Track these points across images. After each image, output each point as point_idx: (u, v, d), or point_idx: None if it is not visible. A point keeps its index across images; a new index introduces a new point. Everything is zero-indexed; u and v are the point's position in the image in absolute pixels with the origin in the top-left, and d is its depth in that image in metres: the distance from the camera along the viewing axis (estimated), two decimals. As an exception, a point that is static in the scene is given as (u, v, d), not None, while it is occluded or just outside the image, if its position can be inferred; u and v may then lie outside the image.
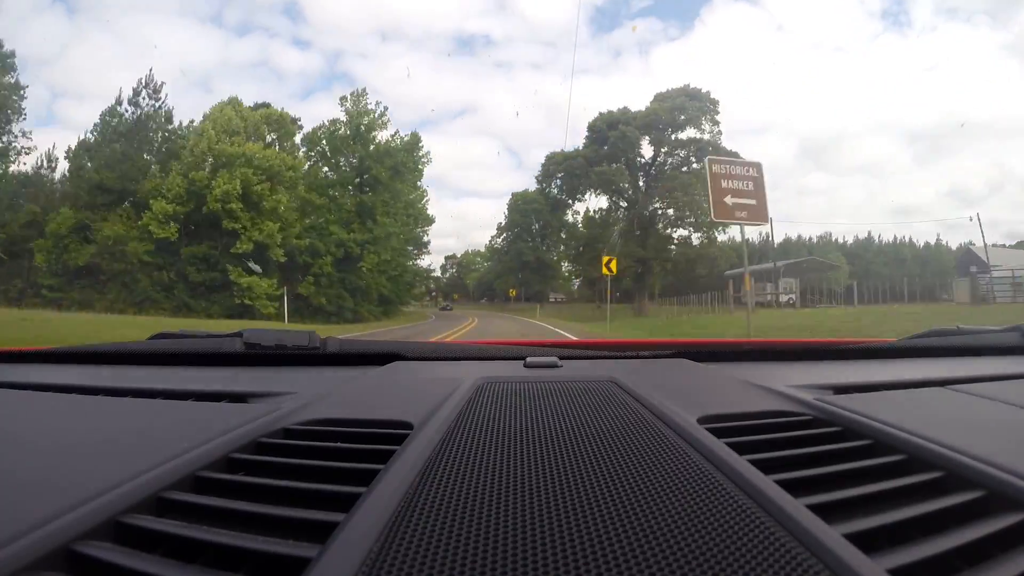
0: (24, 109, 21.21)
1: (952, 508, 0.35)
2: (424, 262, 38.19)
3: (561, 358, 0.84)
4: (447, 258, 79.71)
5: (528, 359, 0.82)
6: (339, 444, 0.46)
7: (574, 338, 7.61)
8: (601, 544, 0.28)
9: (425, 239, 35.85)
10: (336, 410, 0.54)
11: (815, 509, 0.32)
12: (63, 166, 23.36)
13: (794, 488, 0.36)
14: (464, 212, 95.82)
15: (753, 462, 0.39)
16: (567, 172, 31.99)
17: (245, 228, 21.41)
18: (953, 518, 0.34)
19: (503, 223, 50.98)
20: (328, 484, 0.37)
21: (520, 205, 47.16)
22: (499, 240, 52.77)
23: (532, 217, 46.34)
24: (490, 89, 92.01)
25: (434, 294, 76.54)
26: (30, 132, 21.73)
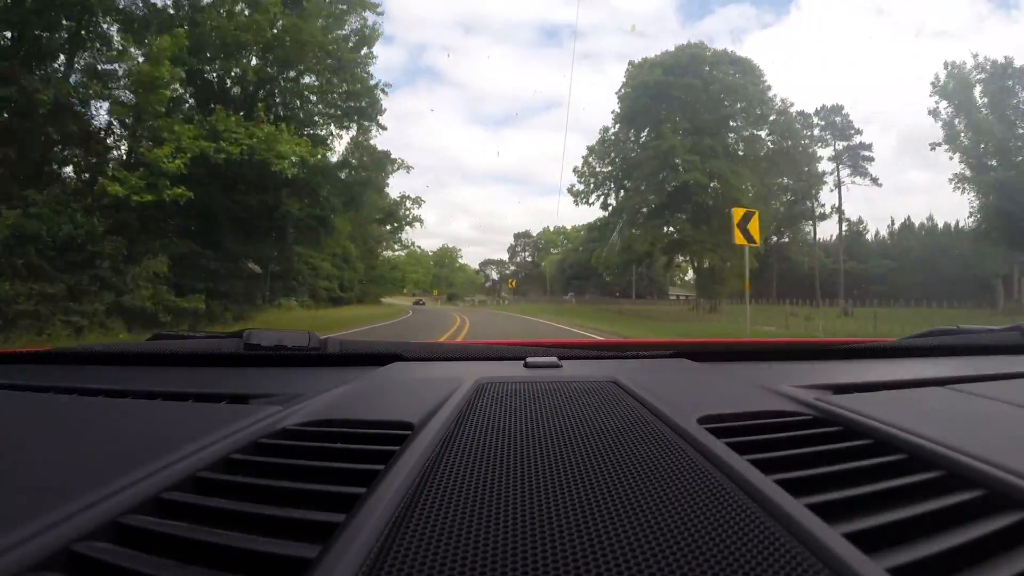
0: None
1: (952, 508, 0.35)
2: (398, 187, 25.66)
3: (561, 358, 0.84)
4: (517, 236, 62.42)
5: (528, 359, 0.82)
6: (339, 445, 0.46)
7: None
8: (601, 544, 0.28)
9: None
10: (336, 411, 0.54)
11: (815, 509, 0.32)
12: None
13: (794, 488, 0.36)
14: (550, 209, 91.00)
15: (753, 462, 0.39)
16: None
17: None
18: (953, 518, 0.34)
19: (611, 126, 23.60)
20: (328, 485, 0.37)
21: (672, 59, 21.56)
22: (603, 165, 24.40)
23: (692, 80, 20.60)
24: (577, 81, 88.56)
25: (494, 283, 62.49)
26: None
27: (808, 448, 0.45)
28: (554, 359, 0.83)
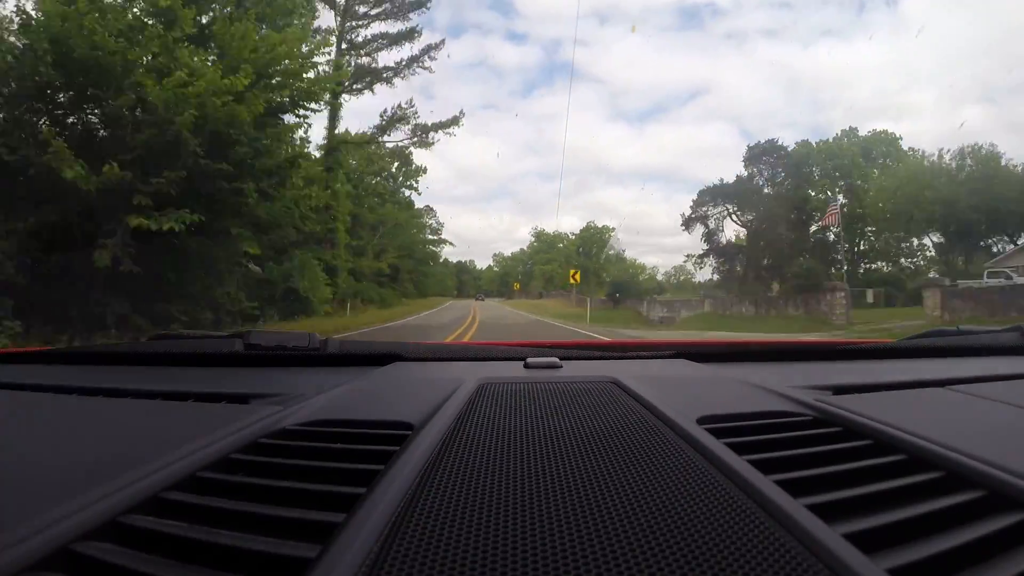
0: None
1: (952, 508, 0.35)
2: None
3: (561, 359, 0.84)
4: (704, 194, 30.46)
5: (528, 360, 0.82)
6: (339, 445, 0.46)
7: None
8: (601, 544, 0.28)
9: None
10: (336, 411, 0.54)
11: (815, 509, 0.32)
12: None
13: (794, 488, 0.36)
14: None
15: (752, 462, 0.39)
16: None
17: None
18: (953, 518, 0.34)
19: None
20: (328, 485, 0.37)
21: None
22: None
23: None
24: (720, 65, 78.85)
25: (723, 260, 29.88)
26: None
27: (808, 448, 0.45)
28: (554, 359, 0.82)
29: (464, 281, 78.53)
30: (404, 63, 21.03)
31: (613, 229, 54.02)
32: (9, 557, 0.27)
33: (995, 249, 26.10)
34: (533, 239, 60.77)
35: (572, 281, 25.16)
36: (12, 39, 7.82)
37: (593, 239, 52.23)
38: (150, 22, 8.23)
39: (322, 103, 11.73)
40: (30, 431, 0.53)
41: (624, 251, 55.06)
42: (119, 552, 0.30)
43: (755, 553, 0.27)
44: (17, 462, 0.43)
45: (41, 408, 0.62)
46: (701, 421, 0.50)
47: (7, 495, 0.35)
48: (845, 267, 25.52)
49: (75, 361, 0.97)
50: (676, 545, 0.28)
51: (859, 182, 30.37)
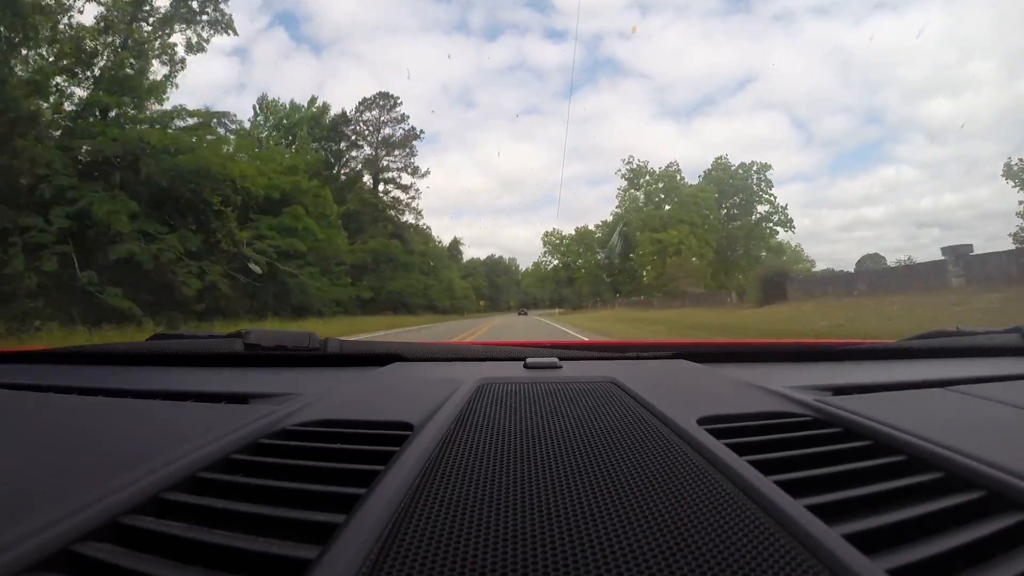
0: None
1: (952, 508, 0.35)
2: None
3: (561, 359, 0.84)
4: None
5: (528, 360, 0.82)
6: (339, 445, 0.46)
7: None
8: (601, 545, 0.28)
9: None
10: (336, 411, 0.54)
11: (815, 510, 0.32)
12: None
13: (794, 489, 0.36)
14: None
15: (753, 463, 0.39)
16: None
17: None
18: (953, 518, 0.34)
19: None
20: (328, 485, 0.37)
21: None
22: None
23: None
24: (769, 50, 74.40)
25: None
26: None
27: (808, 449, 0.45)
28: (554, 360, 0.82)
29: (500, 285, 62.74)
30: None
31: (769, 167, 31.74)
32: (9, 557, 0.27)
33: None
34: (625, 183, 34.93)
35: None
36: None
37: (731, 183, 29.30)
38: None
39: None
40: (30, 431, 0.53)
41: (786, 205, 32.19)
42: (119, 552, 0.30)
43: (755, 553, 0.27)
44: (17, 462, 0.43)
45: (41, 408, 0.62)
46: (701, 422, 0.50)
47: (7, 495, 0.35)
48: None
49: (75, 361, 0.97)
50: (676, 545, 0.28)
51: None
